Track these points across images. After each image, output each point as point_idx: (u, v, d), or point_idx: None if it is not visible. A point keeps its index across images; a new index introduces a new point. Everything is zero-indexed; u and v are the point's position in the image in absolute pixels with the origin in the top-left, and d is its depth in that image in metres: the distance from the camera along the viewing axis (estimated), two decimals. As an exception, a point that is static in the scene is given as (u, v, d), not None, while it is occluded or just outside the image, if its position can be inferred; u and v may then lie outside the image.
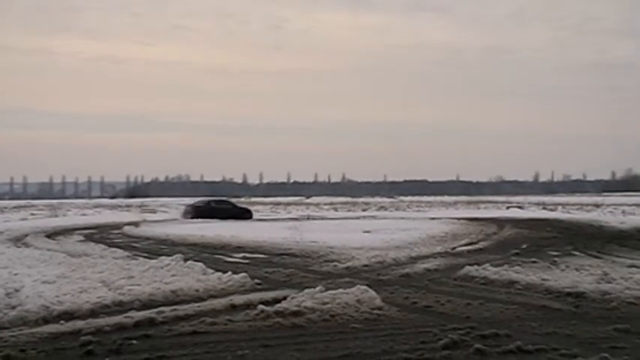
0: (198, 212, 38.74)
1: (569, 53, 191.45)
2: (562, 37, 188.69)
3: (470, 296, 10.05)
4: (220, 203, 41.43)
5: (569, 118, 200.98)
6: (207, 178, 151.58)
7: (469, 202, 71.84)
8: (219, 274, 11.55)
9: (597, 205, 55.30)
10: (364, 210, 52.07)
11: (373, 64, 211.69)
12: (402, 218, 36.97)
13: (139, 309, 8.80)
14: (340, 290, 9.42)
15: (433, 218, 35.81)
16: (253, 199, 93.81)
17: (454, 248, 18.22)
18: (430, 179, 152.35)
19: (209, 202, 42.01)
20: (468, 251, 17.67)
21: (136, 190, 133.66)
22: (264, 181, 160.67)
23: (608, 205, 54.87)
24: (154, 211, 51.01)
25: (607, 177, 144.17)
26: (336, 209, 54.14)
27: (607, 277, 11.13)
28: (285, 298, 9.23)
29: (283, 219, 37.17)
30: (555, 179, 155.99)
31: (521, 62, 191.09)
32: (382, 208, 56.38)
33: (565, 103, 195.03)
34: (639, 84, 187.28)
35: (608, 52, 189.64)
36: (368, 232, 23.73)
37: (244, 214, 39.09)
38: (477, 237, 22.48)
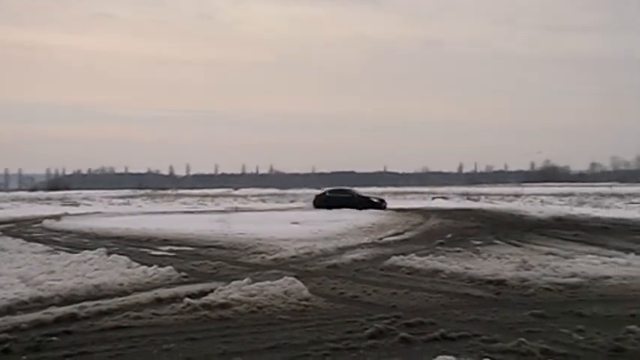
0: (317, 203, 36.94)
1: (498, 46, 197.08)
2: (493, 30, 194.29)
3: (396, 286, 10.25)
4: (338, 192, 38.18)
5: (492, 111, 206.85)
6: (132, 170, 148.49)
7: (396, 193, 72.96)
8: (145, 267, 11.41)
9: (517, 195, 57.47)
10: (292, 202, 52.09)
11: (304, 56, 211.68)
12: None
13: (59, 305, 8.55)
14: (268, 282, 9.45)
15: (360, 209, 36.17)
16: (180, 191, 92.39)
17: (381, 239, 18.52)
18: (358, 170, 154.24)
19: (325, 192, 39.17)
20: (395, 241, 18.01)
21: (57, 183, 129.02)
22: (191, 172, 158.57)
23: (528, 195, 57.15)
24: (76, 204, 49.44)
25: (527, 168, 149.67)
26: (264, 201, 54.00)
27: (526, 264, 11.63)
28: (212, 291, 9.21)
29: (211, 211, 36.79)
30: (478, 170, 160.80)
31: (450, 55, 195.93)
32: (311, 199, 56.47)
33: (489, 96, 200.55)
34: (561, 77, 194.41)
35: (536, 45, 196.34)
36: (296, 223, 23.76)
37: (365, 204, 35.01)
38: (403, 227, 22.92)
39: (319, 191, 42.17)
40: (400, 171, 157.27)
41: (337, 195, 37.31)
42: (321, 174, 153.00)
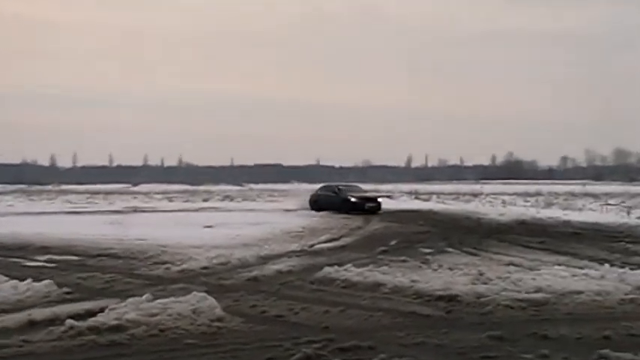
0: (311, 204, 36.44)
1: (455, 23, 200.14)
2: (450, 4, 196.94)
3: (329, 302, 10.33)
4: (326, 191, 36.86)
5: (446, 96, 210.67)
6: (1, 160, 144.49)
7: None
8: (15, 282, 11.09)
9: (475, 195, 58.83)
10: (205, 200, 51.84)
11: (225, 30, 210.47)
12: (252, 210, 37.22)
13: None
14: (172, 299, 9.39)
15: (288, 210, 36.39)
16: (64, 187, 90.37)
17: (312, 246, 18.61)
18: (286, 164, 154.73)
19: (317, 190, 38.01)
20: (329, 249, 18.15)
21: None
22: (79, 164, 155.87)
23: (487, 195, 58.62)
24: None
25: (487, 162, 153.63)
26: (170, 199, 53.47)
27: (483, 277, 11.91)
28: (102, 310, 9.03)
29: (103, 212, 36.20)
30: (430, 164, 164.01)
31: (398, 31, 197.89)
32: (228, 197, 56.40)
33: (443, 79, 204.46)
34: (528, 60, 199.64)
35: (499, 23, 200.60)
36: (209, 226, 23.72)
37: (345, 205, 33.70)
38: (339, 232, 23.10)
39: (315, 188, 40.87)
40: (337, 164, 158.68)
41: (325, 193, 36.59)
42: (241, 167, 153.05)
